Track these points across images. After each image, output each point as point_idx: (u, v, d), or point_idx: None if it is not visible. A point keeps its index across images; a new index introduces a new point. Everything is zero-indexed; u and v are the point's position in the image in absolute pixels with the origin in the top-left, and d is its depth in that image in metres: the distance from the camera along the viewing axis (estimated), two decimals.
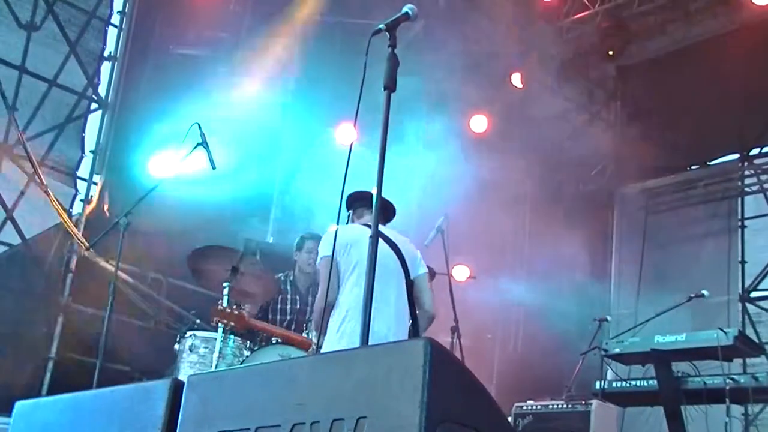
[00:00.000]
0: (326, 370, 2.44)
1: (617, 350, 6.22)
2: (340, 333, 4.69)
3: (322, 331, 4.68)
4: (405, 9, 3.66)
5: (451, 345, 6.71)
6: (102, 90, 9.30)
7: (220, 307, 5.71)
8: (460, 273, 9.03)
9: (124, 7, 9.50)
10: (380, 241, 4.69)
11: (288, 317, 6.80)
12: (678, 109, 9.19)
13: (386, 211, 5.09)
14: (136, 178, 8.31)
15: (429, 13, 8.66)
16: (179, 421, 2.63)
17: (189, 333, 6.02)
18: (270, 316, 6.76)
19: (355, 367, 2.36)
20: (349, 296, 4.78)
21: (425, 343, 2.15)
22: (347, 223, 5.21)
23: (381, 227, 4.78)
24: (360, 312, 4.41)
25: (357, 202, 5.20)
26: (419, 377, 2.09)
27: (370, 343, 4.23)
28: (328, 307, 4.74)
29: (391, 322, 4.72)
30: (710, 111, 9.22)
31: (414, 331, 4.89)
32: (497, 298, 9.47)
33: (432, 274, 6.26)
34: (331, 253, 4.74)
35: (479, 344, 9.42)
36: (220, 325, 5.73)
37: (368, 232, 4.29)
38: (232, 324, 5.72)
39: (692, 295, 6.85)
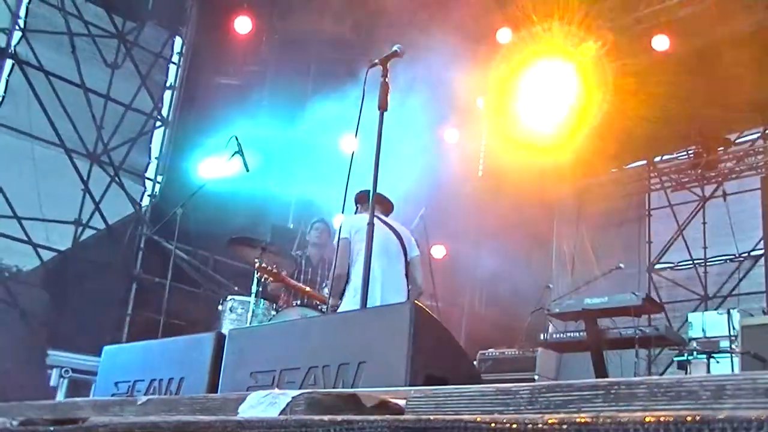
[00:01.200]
0: (335, 326, 2.42)
1: (557, 310, 6.16)
2: (356, 300, 4.51)
3: (336, 295, 4.54)
4: (394, 47, 3.62)
5: (432, 307, 6.65)
6: (164, 111, 9.42)
7: (263, 264, 5.59)
8: (438, 252, 8.99)
9: (181, 48, 9.60)
10: (385, 227, 4.66)
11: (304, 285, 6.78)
12: (606, 121, 9.07)
13: (387, 205, 4.96)
14: (189, 178, 8.26)
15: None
16: (222, 364, 2.61)
17: (229, 297, 5.97)
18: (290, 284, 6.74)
19: (357, 324, 2.33)
20: (361, 271, 4.64)
21: (410, 306, 2.12)
22: (355, 214, 5.08)
23: (384, 218, 4.74)
24: (370, 284, 4.41)
25: (363, 198, 5.11)
26: (405, 332, 2.07)
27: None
28: (341, 278, 4.55)
29: (396, 293, 4.61)
30: (625, 126, 9.16)
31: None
32: (467, 271, 9.42)
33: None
34: (348, 236, 4.54)
35: (453, 307, 9.39)
36: (259, 280, 5.63)
37: (375, 221, 4.31)
38: (271, 279, 5.59)
39: (613, 267, 6.82)
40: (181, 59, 9.60)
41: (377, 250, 4.43)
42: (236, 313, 5.78)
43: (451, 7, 8.03)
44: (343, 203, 3.69)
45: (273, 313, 5.77)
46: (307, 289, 5.80)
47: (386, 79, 3.53)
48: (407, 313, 2.08)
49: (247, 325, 5.47)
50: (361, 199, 5.01)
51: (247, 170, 5.82)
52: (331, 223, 7.08)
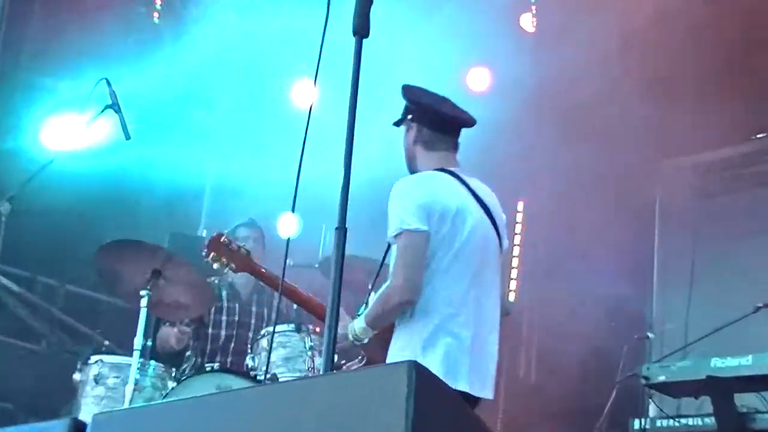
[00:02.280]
0: (279, 404, 2.44)
1: (662, 377, 6.23)
2: (431, 352, 4.33)
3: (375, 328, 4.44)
4: None
5: None
6: None
7: (223, 239, 5.64)
8: None
9: None
10: (476, 205, 4.57)
11: (224, 333, 6.84)
12: (737, 63, 9.21)
13: (455, 137, 4.78)
14: (22, 150, 8.23)
15: None
16: None
17: (94, 358, 5.99)
18: (201, 331, 6.80)
19: (317, 400, 2.35)
20: (446, 294, 4.42)
21: (408, 367, 2.16)
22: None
23: (463, 176, 4.65)
24: (462, 322, 4.37)
25: (431, 115, 4.71)
26: (400, 409, 2.11)
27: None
28: (403, 305, 4.37)
29: (496, 330, 4.59)
30: None
31: None
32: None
33: None
34: (426, 223, 4.36)
35: None
36: (136, 347, 5.68)
37: (466, 190, 4.40)
38: (233, 265, 5.65)
39: (760, 304, 6.88)
40: None
41: (471, 260, 4.46)
42: (106, 386, 5.82)
43: None
44: (294, 194, 3.72)
45: (171, 384, 5.80)
46: (310, 296, 5.62)
47: None
48: (403, 377, 2.12)
49: (126, 405, 5.49)
50: (424, 116, 4.72)
51: (127, 137, 5.85)
52: (269, 228, 7.15)
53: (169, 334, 6.66)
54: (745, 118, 9.48)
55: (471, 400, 4.24)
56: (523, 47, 9.80)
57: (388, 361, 4.38)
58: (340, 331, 4.09)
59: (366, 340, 4.47)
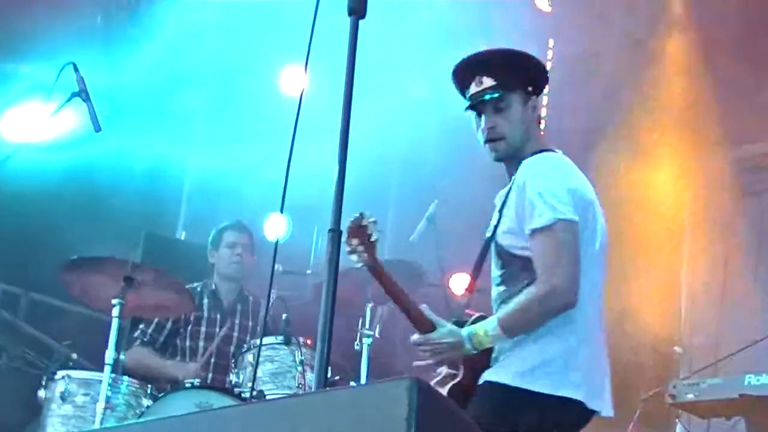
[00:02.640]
0: (266, 425, 2.45)
1: (691, 396, 6.27)
2: (573, 365, 4.18)
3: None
4: None
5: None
6: None
7: (365, 222, 4.81)
8: (459, 284, 9.05)
9: None
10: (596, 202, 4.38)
11: (202, 344, 6.85)
12: None
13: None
14: None
15: None
16: None
17: (61, 373, 5.98)
18: (180, 344, 6.82)
19: (309, 420, 2.37)
20: (589, 301, 4.27)
21: (410, 385, 2.18)
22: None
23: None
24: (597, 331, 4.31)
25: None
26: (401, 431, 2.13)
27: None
28: (561, 306, 4.12)
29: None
30: None
31: None
32: None
33: (420, 282, 6.32)
34: (577, 215, 4.16)
35: None
36: (107, 362, 5.66)
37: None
38: (365, 255, 4.87)
39: None
40: None
41: (605, 260, 4.35)
42: (74, 404, 5.81)
43: None
44: (283, 192, 3.73)
45: (146, 402, 5.81)
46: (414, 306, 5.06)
47: None
48: (404, 396, 2.15)
49: (96, 426, 5.50)
50: (542, 88, 4.61)
51: (98, 130, 5.85)
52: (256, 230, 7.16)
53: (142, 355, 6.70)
54: None
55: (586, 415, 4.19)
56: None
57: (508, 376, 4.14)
58: (448, 338, 4.13)
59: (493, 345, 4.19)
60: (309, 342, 6.02)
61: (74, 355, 7.55)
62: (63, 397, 5.82)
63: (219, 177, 8.86)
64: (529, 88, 4.35)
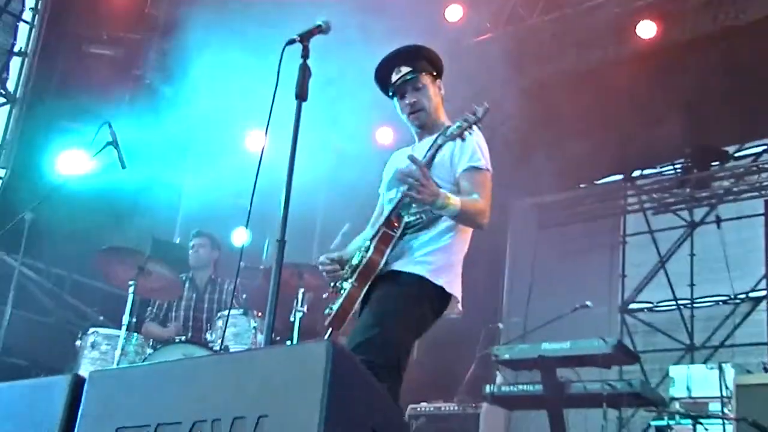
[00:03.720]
0: (229, 369, 2.41)
1: (507, 356, 6.31)
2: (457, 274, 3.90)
3: None
4: (318, 21, 3.66)
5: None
6: (11, 85, 9.08)
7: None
8: None
9: (36, 3, 9.26)
10: None
11: (182, 313, 6.80)
12: (569, 132, 9.42)
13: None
14: (43, 174, 8.08)
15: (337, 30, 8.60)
16: (79, 417, 2.54)
17: (91, 330, 5.91)
18: (171, 313, 6.77)
19: (258, 367, 2.34)
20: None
21: (327, 345, 2.15)
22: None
23: None
24: None
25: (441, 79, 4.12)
26: (320, 380, 2.09)
27: None
28: (478, 228, 3.84)
29: None
30: (595, 134, 9.51)
31: None
32: None
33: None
34: None
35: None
36: (123, 323, 5.61)
37: None
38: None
39: (577, 305, 7.02)
40: (36, 17, 9.30)
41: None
42: (99, 351, 5.74)
43: None
44: (248, 214, 3.69)
45: (149, 351, 5.73)
46: None
47: (306, 61, 3.56)
48: (323, 354, 2.12)
49: (114, 366, 5.40)
50: (441, 73, 4.11)
51: (123, 167, 5.76)
52: (217, 237, 7.11)
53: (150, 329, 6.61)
54: (572, 172, 9.74)
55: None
56: None
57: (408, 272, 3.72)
58: (432, 189, 3.53)
59: (443, 213, 3.66)
60: (260, 314, 5.97)
61: (101, 318, 7.42)
62: (93, 346, 5.79)
63: (203, 200, 8.76)
64: (434, 73, 4.03)
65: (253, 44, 7.97)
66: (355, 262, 3.80)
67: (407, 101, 3.99)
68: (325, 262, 3.98)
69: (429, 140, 3.94)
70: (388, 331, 3.53)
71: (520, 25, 9.56)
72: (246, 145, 9.24)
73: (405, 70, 3.96)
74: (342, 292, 3.76)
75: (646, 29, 8.77)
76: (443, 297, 3.77)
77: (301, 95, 3.51)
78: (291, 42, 3.58)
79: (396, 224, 3.72)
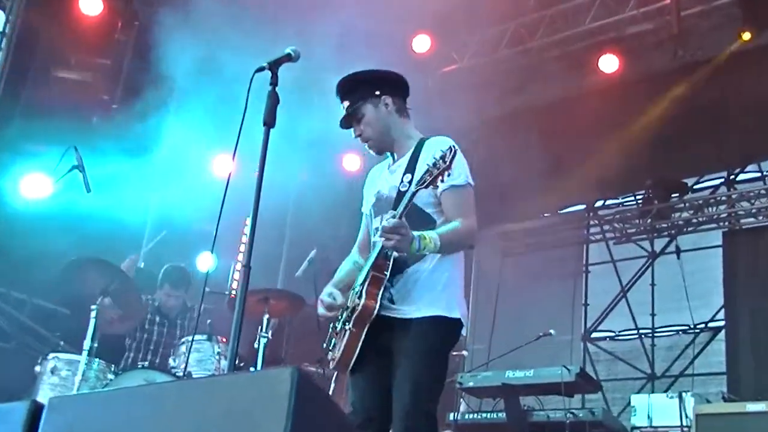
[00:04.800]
0: (192, 395, 2.38)
1: (471, 383, 6.31)
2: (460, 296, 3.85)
3: None
4: (288, 50, 3.67)
5: (317, 375, 6.66)
6: None
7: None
8: None
9: (4, 27, 9.21)
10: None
11: (155, 338, 6.68)
12: (532, 162, 9.53)
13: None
14: (4, 196, 7.96)
15: (306, 58, 8.60)
16: None
17: (51, 355, 5.79)
18: (138, 335, 6.66)
19: (222, 393, 2.31)
20: None
21: (292, 372, 2.13)
22: None
23: None
24: None
25: (400, 84, 4.03)
26: (284, 406, 2.07)
27: None
28: (467, 249, 3.82)
29: None
30: (559, 165, 9.62)
31: None
32: None
33: (302, 304, 6.25)
34: None
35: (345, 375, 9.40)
36: (84, 348, 5.51)
37: None
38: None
39: (541, 333, 7.04)
40: (4, 41, 9.26)
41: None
42: (59, 377, 5.61)
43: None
44: (213, 239, 3.65)
45: (110, 376, 5.63)
46: None
47: (275, 88, 3.56)
48: (287, 380, 2.10)
49: (74, 392, 5.30)
50: (394, 82, 4.02)
51: (88, 191, 5.71)
52: (192, 278, 7.00)
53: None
54: (536, 201, 9.82)
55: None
56: None
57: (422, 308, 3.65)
58: (408, 231, 3.43)
59: (425, 252, 3.57)
60: (224, 339, 5.90)
61: (62, 343, 7.30)
62: (52, 372, 5.64)
63: (170, 224, 8.69)
64: (376, 93, 3.88)
65: (222, 70, 8.00)
66: (349, 304, 3.75)
67: (354, 135, 3.96)
68: (327, 305, 3.85)
69: (405, 159, 3.87)
70: (425, 403, 3.56)
71: (486, 57, 9.68)
72: (212, 169, 9.19)
73: (345, 104, 3.93)
74: (343, 333, 3.72)
75: (608, 63, 8.94)
76: (459, 325, 3.75)
77: (269, 122, 3.50)
78: (260, 69, 3.58)
79: (384, 267, 3.67)
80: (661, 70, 8.92)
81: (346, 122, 3.96)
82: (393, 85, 3.99)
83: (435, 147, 3.63)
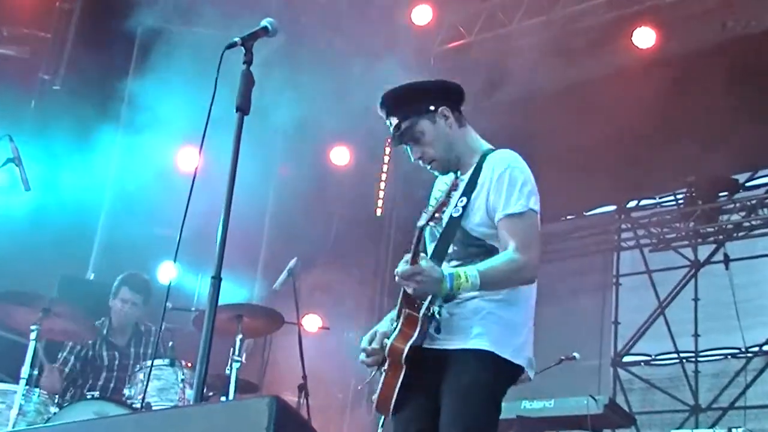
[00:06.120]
0: (153, 429, 2.40)
1: None
2: (527, 337, 3.88)
3: None
4: (264, 23, 3.67)
5: (298, 405, 6.68)
6: None
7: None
8: (311, 323, 9.03)
9: None
10: None
11: (105, 373, 6.68)
12: (552, 154, 9.53)
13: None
14: None
15: (290, 32, 8.64)
16: None
17: None
18: (89, 367, 6.65)
19: (187, 428, 2.33)
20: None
21: (270, 402, 2.16)
22: None
23: None
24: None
25: (455, 94, 4.06)
26: None
27: None
28: (526, 284, 3.80)
29: None
30: (586, 157, 9.58)
31: None
32: (353, 351, 9.48)
33: (280, 321, 6.28)
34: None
35: (329, 403, 9.40)
36: (22, 376, 5.50)
37: None
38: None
39: (563, 357, 7.04)
40: None
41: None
42: None
43: None
44: (177, 245, 3.67)
45: (54, 410, 5.63)
46: None
47: (249, 68, 3.57)
48: (265, 411, 2.13)
49: (9, 428, 5.30)
50: (450, 92, 4.08)
51: (27, 189, 5.70)
52: (152, 285, 7.01)
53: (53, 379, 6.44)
54: (558, 201, 9.82)
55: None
56: None
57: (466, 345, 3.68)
58: (433, 272, 3.50)
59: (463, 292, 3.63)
60: (189, 364, 5.92)
61: None
62: None
63: (124, 228, 8.69)
64: (431, 107, 3.89)
65: (188, 44, 7.99)
66: (387, 342, 3.79)
67: (413, 157, 3.96)
68: (367, 352, 3.93)
69: (467, 176, 3.87)
70: None
71: (499, 31, 9.67)
72: (177, 163, 9.19)
73: (394, 122, 3.92)
74: (380, 375, 3.85)
75: (644, 37, 8.92)
76: (513, 368, 3.75)
77: (243, 107, 3.50)
78: (231, 46, 3.56)
79: (417, 304, 3.71)
80: (706, 46, 8.90)
81: (399, 141, 3.96)
82: (446, 95, 4.01)
83: (492, 166, 3.76)
